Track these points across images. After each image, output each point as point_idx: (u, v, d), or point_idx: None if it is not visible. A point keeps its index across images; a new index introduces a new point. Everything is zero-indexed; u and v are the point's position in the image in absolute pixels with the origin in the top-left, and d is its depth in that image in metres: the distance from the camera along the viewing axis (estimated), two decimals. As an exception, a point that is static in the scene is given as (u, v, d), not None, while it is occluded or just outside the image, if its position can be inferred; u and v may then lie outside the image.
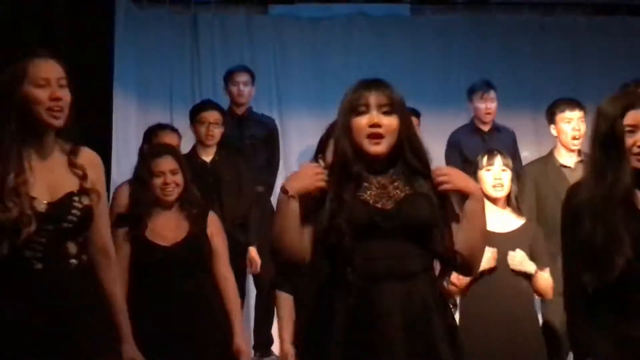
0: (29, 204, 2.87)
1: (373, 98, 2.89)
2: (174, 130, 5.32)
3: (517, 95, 6.96)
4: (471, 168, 4.41)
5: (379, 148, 2.88)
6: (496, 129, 6.29)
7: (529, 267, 4.25)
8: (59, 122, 2.92)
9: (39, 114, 2.90)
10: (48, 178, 2.94)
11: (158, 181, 4.02)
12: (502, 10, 7.53)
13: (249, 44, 7.37)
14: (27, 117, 2.91)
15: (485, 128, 6.26)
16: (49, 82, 2.91)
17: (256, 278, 6.00)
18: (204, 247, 4.08)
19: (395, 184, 2.90)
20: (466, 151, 6.08)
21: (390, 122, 2.87)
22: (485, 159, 4.34)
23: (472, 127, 6.32)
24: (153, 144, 5.01)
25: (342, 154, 2.91)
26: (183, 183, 4.07)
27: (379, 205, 2.85)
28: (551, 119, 5.31)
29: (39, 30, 4.66)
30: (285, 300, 3.84)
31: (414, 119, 2.99)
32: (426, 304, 2.84)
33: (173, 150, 4.30)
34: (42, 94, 2.90)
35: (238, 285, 5.47)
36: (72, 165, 2.98)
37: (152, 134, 5.20)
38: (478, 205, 2.93)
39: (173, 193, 4.04)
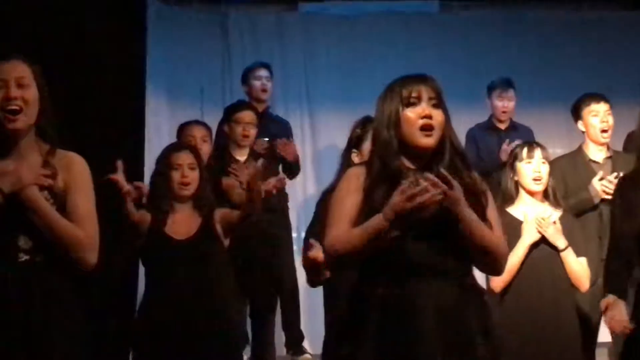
0: None
1: (424, 90, 2.89)
2: (201, 123, 5.37)
3: (546, 92, 6.97)
4: (509, 159, 4.42)
5: (431, 140, 2.87)
6: (513, 127, 6.31)
7: (560, 241, 4.24)
8: (14, 124, 2.86)
9: None
10: (13, 176, 2.83)
11: (176, 174, 4.08)
12: (531, 6, 7.51)
13: (278, 42, 7.41)
14: None
15: (502, 126, 6.30)
16: (6, 82, 2.85)
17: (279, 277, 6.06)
18: (213, 244, 4.12)
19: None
20: (481, 148, 6.14)
21: (439, 115, 2.88)
22: (525, 151, 4.34)
23: (489, 125, 6.36)
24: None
25: (384, 146, 2.90)
26: (199, 180, 4.13)
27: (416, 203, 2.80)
28: (578, 115, 5.31)
29: (71, 32, 4.74)
30: None
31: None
32: (461, 300, 2.84)
33: (192, 147, 4.35)
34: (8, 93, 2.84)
35: (270, 283, 5.56)
36: (45, 164, 2.91)
37: (181, 129, 5.26)
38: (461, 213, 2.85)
39: (189, 189, 4.09)
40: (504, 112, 6.28)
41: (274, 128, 6.12)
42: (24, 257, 2.87)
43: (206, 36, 7.33)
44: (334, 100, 7.23)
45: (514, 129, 6.28)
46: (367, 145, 3.74)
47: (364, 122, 3.86)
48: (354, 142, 3.85)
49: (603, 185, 4.98)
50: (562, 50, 7.36)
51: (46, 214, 2.84)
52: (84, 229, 2.89)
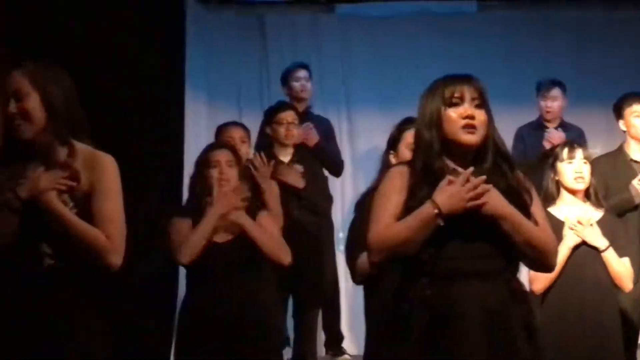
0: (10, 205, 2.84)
1: (467, 91, 2.88)
2: (240, 124, 5.39)
3: (585, 91, 6.91)
4: (536, 165, 4.41)
5: (474, 138, 2.87)
6: (563, 126, 6.27)
7: (600, 242, 4.21)
8: (22, 135, 2.88)
9: (9, 126, 2.89)
10: (34, 180, 2.86)
11: (214, 172, 4.07)
12: (569, 5, 7.46)
13: (315, 44, 7.43)
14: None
15: (551, 125, 6.26)
16: (7, 96, 2.88)
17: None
18: (255, 246, 4.08)
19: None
20: (528, 147, 6.12)
21: (481, 115, 2.88)
22: (566, 151, 4.32)
23: (537, 124, 6.34)
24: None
25: (427, 146, 2.90)
26: (237, 177, 4.12)
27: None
28: (619, 114, 5.30)
29: (111, 36, 4.78)
30: None
31: None
32: (505, 303, 2.83)
33: (230, 145, 4.34)
34: (4, 110, 2.88)
35: (313, 284, 5.55)
36: (67, 165, 2.89)
37: (220, 130, 5.28)
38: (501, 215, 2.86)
39: (227, 186, 4.07)
40: (548, 111, 6.28)
41: (316, 126, 6.11)
42: (48, 262, 2.87)
43: (243, 38, 7.37)
44: (371, 102, 7.23)
45: (564, 128, 6.25)
46: (402, 146, 3.78)
47: (401, 124, 3.88)
48: (391, 143, 3.85)
49: None
50: (601, 50, 7.29)
51: (64, 219, 2.84)
52: (107, 231, 2.87)
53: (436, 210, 2.77)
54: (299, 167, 5.52)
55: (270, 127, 5.67)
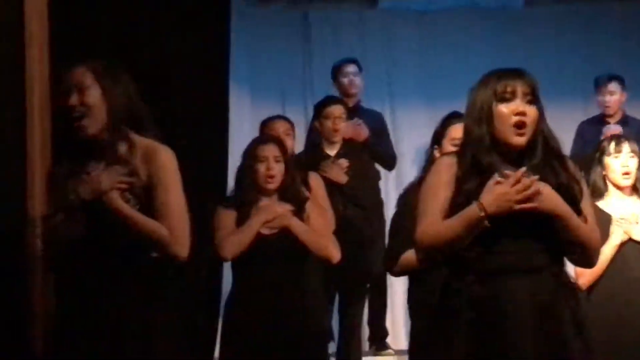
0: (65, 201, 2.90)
1: (520, 86, 2.84)
2: (285, 118, 5.34)
3: (635, 86, 6.83)
4: (596, 153, 4.35)
5: (522, 140, 2.84)
6: (624, 121, 6.22)
7: None
8: (83, 131, 2.91)
9: (69, 122, 2.92)
10: (95, 177, 2.91)
11: (261, 167, 4.06)
12: (612, 3, 7.38)
13: (359, 38, 7.41)
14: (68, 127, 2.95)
15: (612, 120, 6.21)
16: (70, 89, 2.91)
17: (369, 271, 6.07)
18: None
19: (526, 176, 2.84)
20: (586, 142, 6.00)
21: (532, 111, 2.84)
22: (612, 145, 4.28)
23: (598, 119, 6.30)
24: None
25: (477, 141, 2.87)
26: (285, 172, 4.10)
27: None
28: None
29: (156, 32, 4.82)
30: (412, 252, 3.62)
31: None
32: (554, 298, 2.82)
33: (278, 139, 4.33)
34: (65, 101, 2.92)
35: (358, 279, 5.55)
36: (123, 164, 2.93)
37: (265, 124, 5.22)
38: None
39: (274, 182, 4.07)
40: (606, 106, 6.26)
41: (367, 121, 6.11)
42: (113, 259, 2.93)
43: (287, 34, 7.39)
44: (415, 97, 7.22)
45: (625, 123, 6.20)
46: (446, 142, 3.77)
47: (446, 119, 3.87)
48: (435, 139, 3.86)
49: None
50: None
51: (127, 218, 2.90)
52: (169, 224, 2.93)
53: (482, 213, 2.75)
54: (344, 162, 5.52)
55: (318, 122, 5.68)
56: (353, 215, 5.39)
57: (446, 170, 2.90)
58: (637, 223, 4.17)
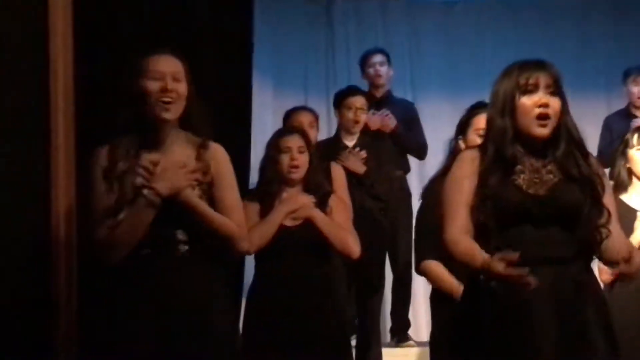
0: (132, 192, 2.95)
1: (542, 78, 2.85)
2: (309, 109, 5.35)
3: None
4: (620, 146, 4.34)
5: (545, 131, 2.84)
6: None
7: None
8: (168, 114, 2.99)
9: (150, 105, 2.98)
10: (164, 171, 2.97)
11: (285, 158, 4.07)
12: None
13: (382, 29, 7.46)
14: (141, 108, 3.00)
15: (639, 113, 6.15)
16: (163, 75, 2.98)
17: (393, 262, 6.06)
18: None
19: (549, 167, 2.87)
20: (615, 135, 5.96)
21: (556, 103, 2.84)
22: (635, 137, 4.25)
23: (626, 112, 6.24)
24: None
25: (500, 133, 2.87)
26: (309, 163, 4.11)
27: (531, 192, 2.83)
28: None
29: (183, 25, 4.83)
30: (437, 267, 3.73)
31: None
32: (579, 290, 2.82)
33: (302, 131, 4.32)
34: (154, 86, 2.98)
35: (376, 270, 5.57)
36: (198, 158, 3.03)
37: (289, 114, 5.25)
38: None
39: (298, 172, 4.08)
40: (638, 97, 6.17)
41: (397, 110, 6.07)
42: (183, 249, 3.01)
43: (311, 26, 7.44)
44: (438, 87, 7.25)
45: None
46: (471, 132, 3.76)
47: (471, 108, 3.87)
48: (460, 129, 3.86)
49: None
50: None
51: (203, 213, 3.00)
52: (233, 219, 3.05)
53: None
54: (362, 153, 5.50)
55: (338, 111, 5.67)
56: (371, 207, 5.38)
57: (470, 163, 2.91)
58: None
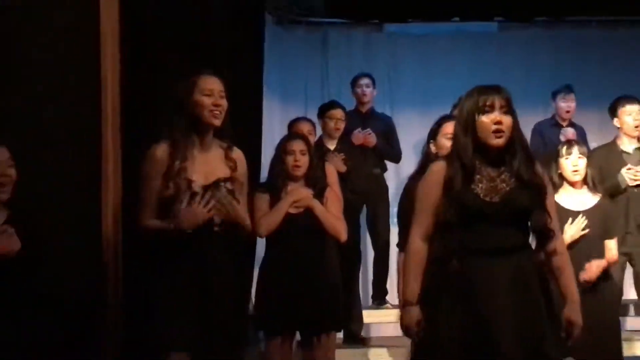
0: (187, 185, 3.03)
1: (497, 100, 2.85)
2: (308, 120, 5.38)
3: (585, 97, 6.78)
4: (552, 156, 4.35)
5: (501, 141, 2.85)
6: (572, 125, 6.18)
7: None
8: (217, 122, 3.10)
9: (203, 115, 3.09)
10: (206, 167, 3.09)
11: (290, 158, 4.08)
12: (575, 26, 7.38)
13: (367, 55, 7.43)
14: (195, 118, 3.09)
15: (564, 123, 6.18)
16: (212, 92, 3.09)
17: (374, 243, 6.09)
18: None
19: (502, 176, 2.87)
20: (547, 139, 6.03)
21: (508, 120, 2.85)
22: (564, 148, 4.28)
23: (553, 122, 6.26)
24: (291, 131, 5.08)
25: (463, 148, 2.87)
26: (309, 163, 4.12)
27: (487, 199, 2.84)
28: (614, 113, 5.22)
29: (204, 49, 4.82)
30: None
31: None
32: (526, 271, 2.84)
33: (304, 137, 4.34)
34: (207, 101, 3.09)
35: (354, 249, 5.54)
36: (227, 158, 3.12)
37: (292, 124, 5.27)
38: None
39: (300, 170, 4.09)
40: (567, 111, 6.20)
41: (379, 124, 6.14)
42: (216, 229, 3.14)
43: (310, 51, 7.42)
44: (412, 105, 7.22)
45: (572, 126, 6.18)
46: (440, 136, 3.77)
47: (440, 119, 3.89)
48: (431, 135, 3.86)
49: (629, 173, 4.95)
50: (600, 63, 7.22)
51: (236, 213, 3.19)
52: (243, 209, 3.22)
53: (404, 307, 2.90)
54: (341, 155, 5.51)
55: (321, 121, 5.67)
56: (350, 200, 5.39)
57: (437, 175, 2.93)
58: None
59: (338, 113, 5.65)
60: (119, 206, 3.73)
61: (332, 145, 5.63)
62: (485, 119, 2.85)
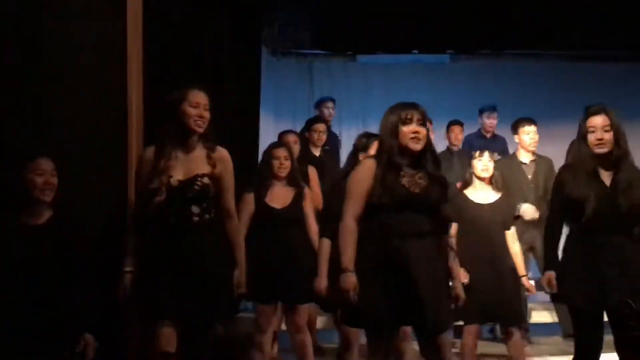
0: (167, 180, 2.95)
1: (415, 114, 2.91)
2: (294, 132, 5.32)
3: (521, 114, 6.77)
4: (470, 159, 4.34)
5: (419, 146, 2.91)
6: (495, 136, 6.21)
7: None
8: (200, 130, 3.01)
9: (189, 123, 2.99)
10: (187, 165, 2.99)
11: (276, 162, 4.00)
12: (514, 58, 7.40)
13: (345, 80, 7.43)
14: (182, 124, 3.01)
15: (488, 135, 6.21)
16: (199, 105, 3.00)
17: None
18: (302, 210, 4.03)
19: (419, 174, 2.92)
20: (474, 149, 5.99)
21: (424, 131, 2.92)
22: (478, 153, 4.29)
23: (479, 134, 6.27)
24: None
25: (390, 148, 2.91)
26: (291, 166, 4.04)
27: (412, 190, 2.88)
28: (515, 131, 5.23)
29: (212, 73, 4.77)
30: (325, 244, 3.71)
31: (428, 124, 3.00)
32: (435, 252, 2.89)
33: (287, 144, 4.28)
34: (193, 112, 2.99)
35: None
36: (208, 157, 3.03)
37: (280, 135, 5.19)
38: None
39: (284, 171, 4.01)
40: (490, 126, 6.22)
41: (330, 140, 6.05)
42: (195, 219, 2.99)
43: (298, 78, 7.41)
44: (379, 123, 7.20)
45: (495, 137, 6.20)
46: (371, 150, 3.65)
47: (367, 135, 3.83)
48: (362, 147, 3.78)
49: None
50: (522, 91, 7.21)
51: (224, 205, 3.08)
52: (229, 200, 3.09)
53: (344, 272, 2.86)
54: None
55: (307, 133, 5.60)
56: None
57: (369, 167, 2.95)
58: None
59: (321, 127, 5.58)
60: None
61: (317, 152, 5.57)
62: (405, 128, 2.90)
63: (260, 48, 5.64)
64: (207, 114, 3.02)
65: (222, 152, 3.09)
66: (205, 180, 3.00)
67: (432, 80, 7.36)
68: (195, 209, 2.99)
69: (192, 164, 3.00)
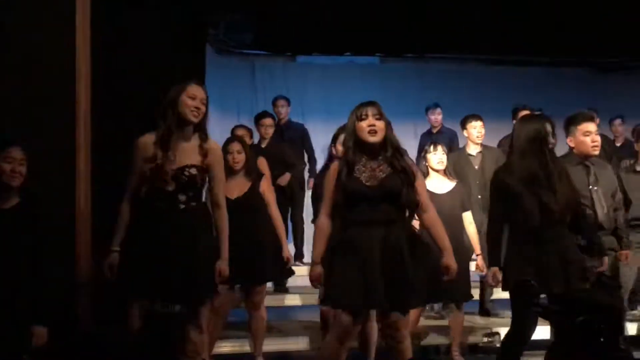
0: (161, 167, 2.93)
1: (370, 110, 2.95)
2: (245, 126, 5.30)
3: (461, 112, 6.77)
4: (423, 152, 4.40)
5: (376, 138, 2.93)
6: (441, 130, 6.32)
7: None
8: (195, 120, 2.98)
9: (186, 113, 2.96)
10: (182, 153, 2.96)
11: (230, 157, 3.96)
12: (436, 61, 7.48)
13: (284, 78, 7.38)
14: (179, 114, 2.97)
15: (435, 130, 6.36)
16: (196, 97, 2.99)
17: (293, 216, 5.97)
18: (257, 199, 4.01)
19: (381, 167, 2.94)
20: (423, 143, 6.06)
21: (381, 124, 2.94)
22: (432, 147, 4.33)
23: (429, 131, 6.41)
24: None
25: (347, 148, 2.98)
26: (245, 158, 4.00)
27: (368, 184, 2.91)
28: (464, 127, 5.32)
29: (159, 70, 4.64)
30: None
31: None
32: (399, 238, 2.89)
33: (239, 138, 4.22)
34: (190, 103, 2.97)
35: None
36: (200, 148, 3.00)
37: (233, 130, 5.16)
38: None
39: (239, 165, 3.98)
40: (436, 121, 6.35)
41: (293, 132, 6.09)
42: (182, 206, 2.96)
43: (241, 76, 7.32)
44: (318, 116, 7.20)
45: (442, 131, 6.33)
46: (339, 140, 3.72)
47: (339, 128, 3.87)
48: (333, 139, 3.87)
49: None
50: (447, 91, 7.26)
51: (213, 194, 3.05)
52: (220, 189, 3.04)
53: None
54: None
55: (257, 127, 5.61)
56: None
57: (334, 170, 3.02)
58: None
59: (267, 121, 5.63)
60: (89, 197, 3.54)
61: (264, 145, 5.60)
62: (363, 123, 2.94)
63: (205, 47, 5.54)
64: (203, 107, 2.99)
65: (214, 144, 3.06)
66: (193, 171, 2.96)
67: (364, 80, 7.38)
68: (181, 197, 2.96)
69: (185, 153, 2.97)
